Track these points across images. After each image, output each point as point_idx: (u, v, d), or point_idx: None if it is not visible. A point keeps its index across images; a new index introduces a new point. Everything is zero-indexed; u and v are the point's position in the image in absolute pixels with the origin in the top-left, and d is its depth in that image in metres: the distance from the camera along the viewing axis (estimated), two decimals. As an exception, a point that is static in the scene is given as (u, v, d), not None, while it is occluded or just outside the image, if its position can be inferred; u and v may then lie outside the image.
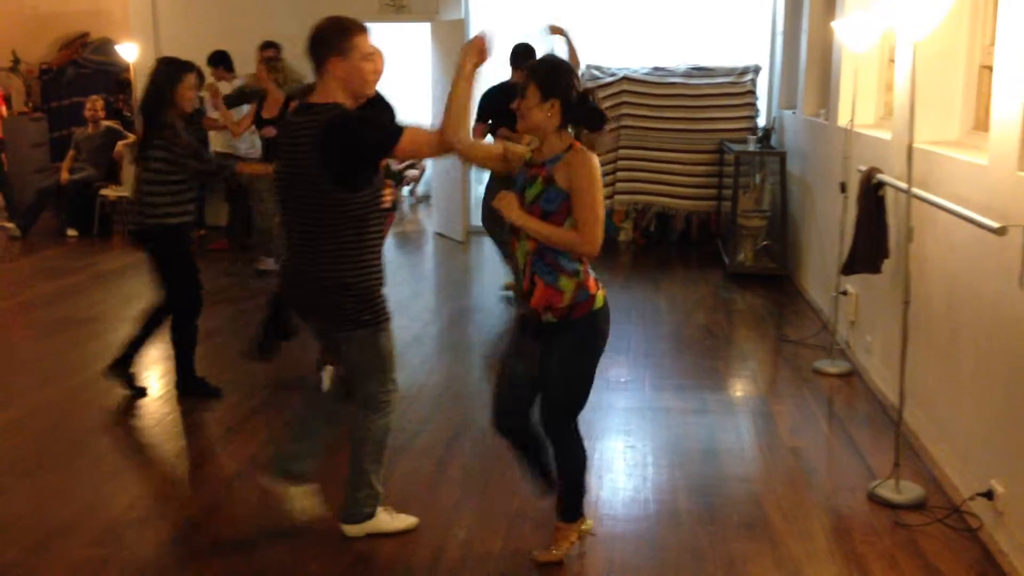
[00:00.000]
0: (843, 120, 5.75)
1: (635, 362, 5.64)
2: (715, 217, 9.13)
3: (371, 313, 3.23)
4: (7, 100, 11.25)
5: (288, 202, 3.23)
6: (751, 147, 8.25)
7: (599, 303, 3.17)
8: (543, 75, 3.06)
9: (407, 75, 11.75)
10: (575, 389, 3.21)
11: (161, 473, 4.16)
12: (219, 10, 9.69)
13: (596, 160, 3.07)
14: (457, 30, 9.23)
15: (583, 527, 3.42)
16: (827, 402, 5.00)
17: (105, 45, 11.12)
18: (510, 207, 3.06)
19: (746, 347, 6.07)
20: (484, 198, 7.06)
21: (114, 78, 11.00)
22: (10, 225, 9.40)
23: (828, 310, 5.97)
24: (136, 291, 7.30)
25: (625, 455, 4.29)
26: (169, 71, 4.77)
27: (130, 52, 10.19)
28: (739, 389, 5.26)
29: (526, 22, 9.47)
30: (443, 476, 4.07)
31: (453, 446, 4.37)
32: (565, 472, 3.31)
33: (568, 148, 3.08)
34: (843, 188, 5.47)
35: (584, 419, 4.62)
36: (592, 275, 3.18)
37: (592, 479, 4.00)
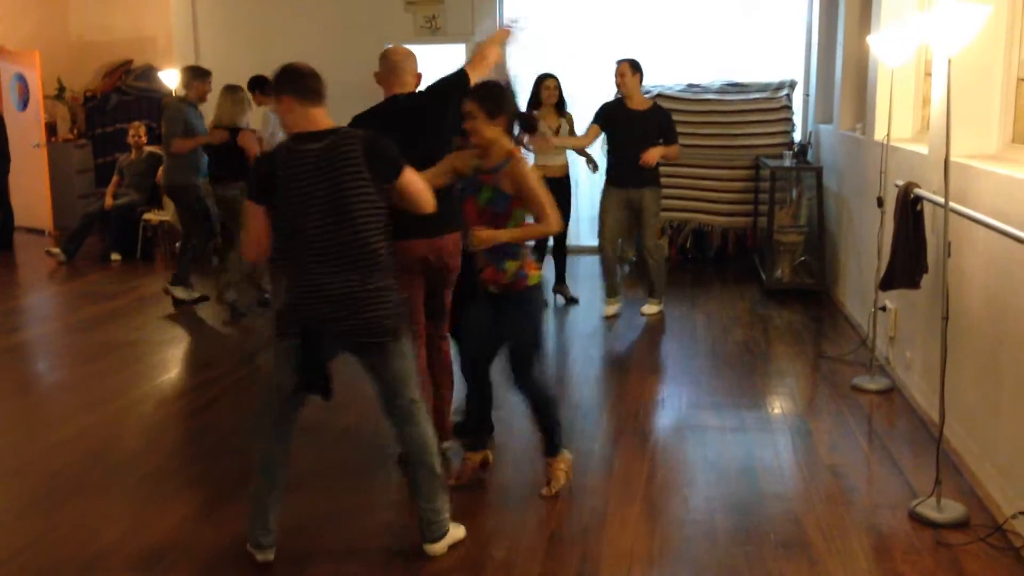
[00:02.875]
0: (880, 134, 5.71)
1: (672, 380, 5.63)
2: (751, 233, 9.09)
3: (403, 318, 3.44)
4: (52, 127, 11.51)
5: (309, 226, 3.22)
6: (787, 162, 8.21)
7: (533, 280, 3.92)
8: (487, 98, 3.76)
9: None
10: (528, 342, 3.94)
11: (202, 496, 4.21)
12: (258, 36, 9.86)
13: (528, 163, 3.84)
14: (491, 51, 9.31)
15: (566, 458, 4.10)
16: (866, 419, 4.96)
17: (148, 72, 11.34)
18: (490, 237, 3.72)
19: (784, 364, 6.02)
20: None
21: (157, 104, 11.20)
22: (56, 250, 9.60)
23: (867, 326, 5.92)
24: (178, 314, 7.43)
25: (662, 474, 4.27)
26: None
27: (172, 79, 10.40)
28: (777, 406, 5.23)
29: (559, 41, 9.56)
30: (480, 497, 4.08)
31: (490, 467, 4.37)
32: (542, 412, 4.02)
33: (509, 157, 3.76)
34: (880, 203, 5.43)
35: (620, 437, 4.65)
36: (532, 259, 3.94)
37: (628, 498, 4.00)
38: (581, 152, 7.52)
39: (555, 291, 7.54)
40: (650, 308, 7.20)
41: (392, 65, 4.29)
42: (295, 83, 3.31)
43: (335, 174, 3.23)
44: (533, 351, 3.97)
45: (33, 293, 8.73)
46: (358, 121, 4.15)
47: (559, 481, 4.04)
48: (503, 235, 3.77)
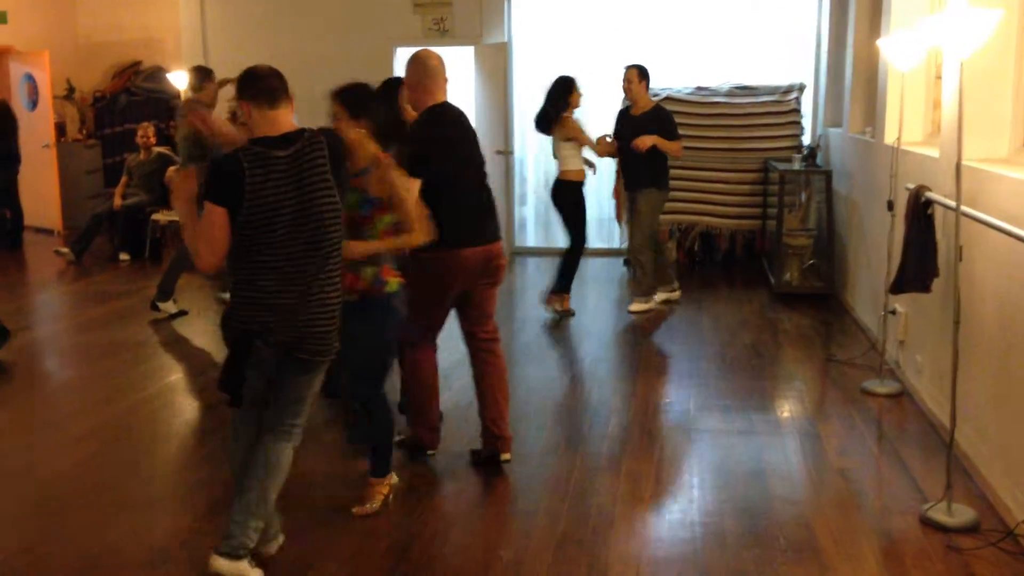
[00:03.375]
0: (890, 138, 5.70)
1: (680, 383, 5.61)
2: (760, 236, 9.07)
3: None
4: (61, 128, 11.55)
5: (275, 236, 3.11)
6: (796, 166, 8.19)
7: (392, 287, 3.75)
8: (350, 100, 3.74)
9: (452, 98, 11.87)
10: (380, 354, 3.81)
11: (209, 497, 4.21)
12: (267, 38, 9.87)
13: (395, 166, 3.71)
14: (500, 54, 9.31)
15: (391, 482, 3.96)
16: (876, 423, 4.94)
17: (157, 73, 11.37)
18: (364, 250, 3.61)
19: (793, 367, 6.01)
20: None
21: (165, 105, 11.24)
22: (65, 250, 9.62)
23: (876, 329, 5.90)
24: (186, 314, 7.43)
25: (670, 477, 4.26)
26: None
27: (181, 80, 10.42)
28: (786, 410, 5.21)
29: (568, 45, 9.56)
30: (489, 498, 4.07)
31: (498, 468, 4.37)
32: (375, 433, 3.91)
33: (375, 161, 3.65)
34: (890, 206, 5.41)
35: (628, 439, 4.64)
36: (391, 265, 3.77)
37: (637, 500, 3.99)
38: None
39: (548, 301, 7.28)
40: (636, 306, 7.32)
41: (434, 71, 4.23)
42: (251, 87, 3.18)
43: (304, 181, 3.13)
44: (384, 364, 3.85)
45: (42, 292, 8.75)
46: (434, 133, 4.21)
47: (375, 503, 3.87)
48: (373, 246, 3.63)
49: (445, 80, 4.29)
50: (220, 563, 3.22)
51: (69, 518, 3.91)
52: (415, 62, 4.26)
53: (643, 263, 7.29)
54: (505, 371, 4.50)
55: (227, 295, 7.33)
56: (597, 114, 8.83)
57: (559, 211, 7.34)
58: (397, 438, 4.28)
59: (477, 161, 4.35)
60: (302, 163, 3.14)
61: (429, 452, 4.49)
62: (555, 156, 7.30)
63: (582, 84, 7.32)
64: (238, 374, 3.21)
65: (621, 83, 7.22)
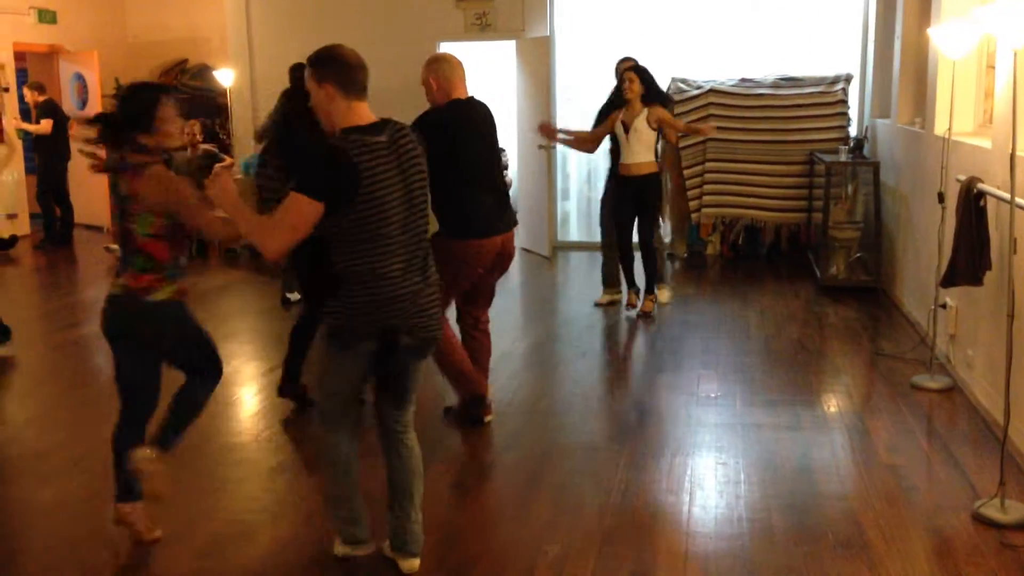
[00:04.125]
0: (940, 129, 5.60)
1: (725, 377, 5.57)
2: (805, 229, 8.97)
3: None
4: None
5: (391, 226, 3.06)
6: (843, 157, 8.08)
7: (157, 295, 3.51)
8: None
9: (492, 94, 11.88)
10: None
11: (259, 487, 4.27)
12: (311, 35, 9.90)
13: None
14: (542, 47, 9.30)
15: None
16: (926, 418, 4.86)
17: (203, 71, 11.51)
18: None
19: (840, 361, 5.94)
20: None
21: (211, 103, 11.37)
22: (114, 247, 9.77)
23: (926, 323, 5.81)
24: (233, 310, 7.54)
25: (716, 472, 4.24)
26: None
27: (227, 77, 10.56)
28: (833, 405, 5.15)
29: (611, 38, 9.52)
30: (534, 492, 4.08)
31: (544, 462, 4.38)
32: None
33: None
34: (941, 199, 5.33)
35: (674, 435, 4.63)
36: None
37: (683, 495, 3.98)
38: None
39: (628, 304, 7.13)
40: (664, 295, 7.32)
41: (459, 70, 4.50)
42: (343, 73, 3.07)
43: (405, 168, 3.10)
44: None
45: (92, 288, 8.90)
46: (458, 118, 4.44)
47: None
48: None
49: (463, 78, 4.53)
50: (415, 563, 3.37)
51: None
52: (441, 62, 4.52)
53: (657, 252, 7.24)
54: (490, 346, 4.96)
55: (295, 295, 7.44)
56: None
57: (649, 205, 6.90)
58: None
59: (497, 153, 4.68)
60: (400, 149, 3.10)
61: (487, 418, 4.80)
62: (620, 147, 6.81)
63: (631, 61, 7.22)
64: (387, 375, 3.23)
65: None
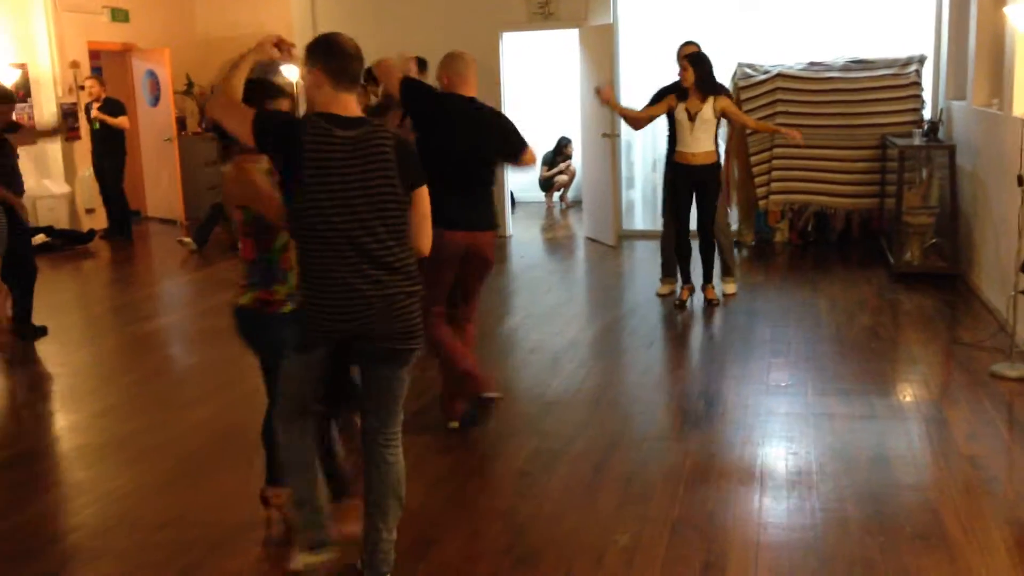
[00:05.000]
0: (1019, 109, 5.41)
1: (796, 365, 5.48)
2: (878, 215, 8.77)
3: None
4: (181, 122, 11.98)
5: (340, 220, 2.97)
6: (917, 141, 7.87)
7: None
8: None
9: (556, 82, 11.84)
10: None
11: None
12: (376, 29, 10.00)
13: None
14: (606, 35, 9.23)
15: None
16: (1007, 408, 4.72)
17: (270, 66, 11.63)
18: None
19: (915, 350, 5.80)
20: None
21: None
22: (187, 239, 9.99)
23: (1005, 311, 5.64)
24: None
25: (788, 462, 4.17)
26: None
27: (292, 72, 10.68)
28: (909, 394, 5.03)
29: (676, 24, 9.41)
30: (602, 482, 4.06)
31: (612, 452, 4.36)
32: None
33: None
34: (1020, 181, 5.16)
35: (744, 424, 4.57)
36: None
37: (754, 485, 3.92)
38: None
39: (679, 299, 6.98)
40: (728, 288, 7.18)
41: (471, 67, 4.54)
42: (336, 60, 3.02)
43: (367, 167, 2.98)
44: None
45: (166, 281, 9.12)
46: (445, 108, 4.41)
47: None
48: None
49: (472, 77, 4.54)
50: None
51: (199, 495, 4.06)
52: (457, 59, 4.54)
53: (723, 244, 7.14)
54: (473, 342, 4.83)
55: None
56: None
57: (707, 195, 6.79)
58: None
59: (482, 157, 4.52)
60: (367, 148, 2.99)
61: (495, 395, 4.61)
62: (680, 135, 6.67)
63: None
64: (339, 381, 3.27)
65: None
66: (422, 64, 7.82)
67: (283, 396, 3.23)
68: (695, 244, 6.92)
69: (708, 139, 6.66)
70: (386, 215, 3.02)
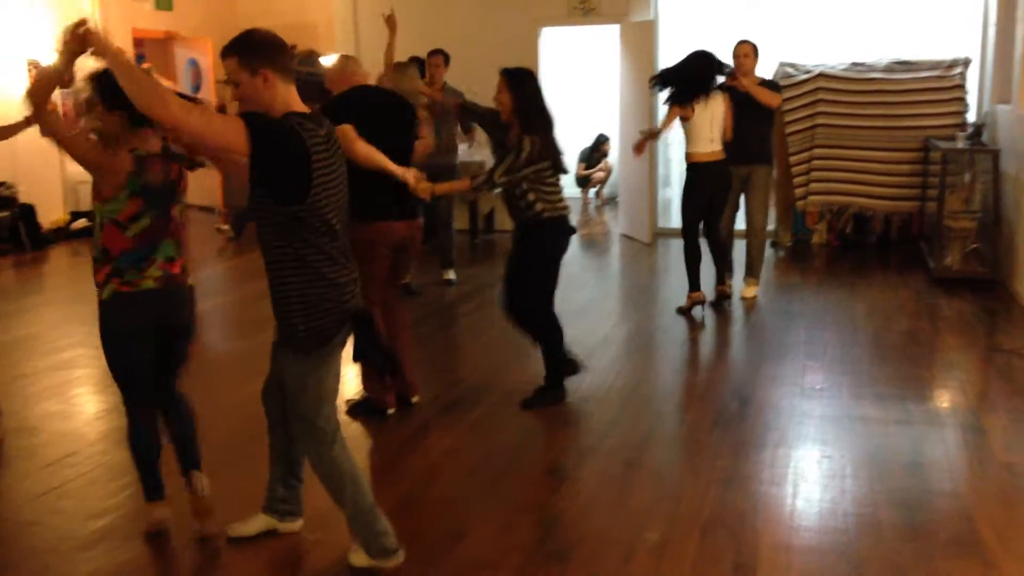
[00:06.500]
0: (1067, 114, 5.34)
1: (831, 368, 5.43)
2: (918, 218, 8.67)
3: None
4: (222, 110, 12.08)
5: (341, 217, 3.13)
6: (960, 144, 7.77)
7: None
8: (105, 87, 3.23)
9: (595, 78, 11.81)
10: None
11: (360, 463, 4.35)
12: (416, 20, 10.03)
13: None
14: (647, 31, 9.19)
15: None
16: (1046, 417, 4.66)
17: (309, 56, 11.73)
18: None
19: (953, 356, 5.73)
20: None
21: (318, 87, 11.57)
22: (225, 227, 10.09)
23: (1047, 318, 5.56)
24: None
25: (821, 465, 4.14)
26: None
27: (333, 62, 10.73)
28: (946, 400, 4.97)
29: (717, 21, 9.35)
30: (633, 479, 4.05)
31: (643, 449, 4.35)
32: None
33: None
34: (1067, 187, 5.08)
35: (777, 426, 4.54)
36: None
37: (786, 487, 3.90)
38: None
39: (718, 293, 6.90)
40: (749, 290, 7.15)
41: (354, 62, 4.91)
42: (277, 55, 2.96)
43: (341, 164, 3.08)
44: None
45: (205, 268, 9.20)
46: (344, 107, 4.56)
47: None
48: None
49: (358, 71, 4.83)
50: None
51: (237, 479, 4.10)
52: (339, 60, 4.98)
53: (758, 246, 7.12)
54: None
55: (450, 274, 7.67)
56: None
57: (729, 193, 6.76)
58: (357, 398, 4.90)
59: (391, 141, 4.57)
60: (333, 142, 3.06)
61: (389, 411, 4.83)
62: (708, 134, 6.57)
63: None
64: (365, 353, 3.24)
65: (737, 57, 6.87)
66: (445, 60, 7.79)
67: (320, 412, 3.17)
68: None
69: (710, 138, 6.63)
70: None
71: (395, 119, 4.78)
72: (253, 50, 2.94)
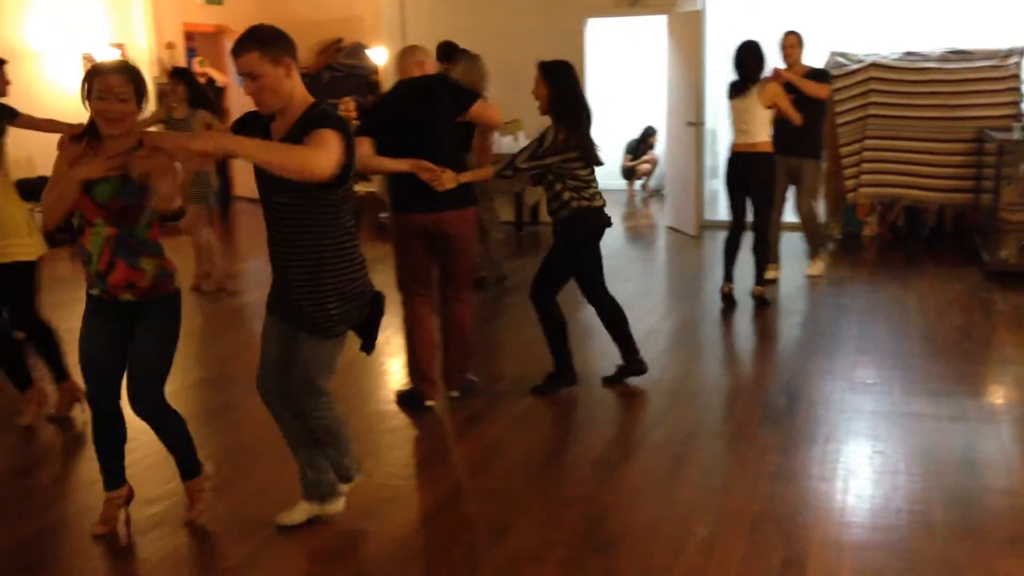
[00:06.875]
0: None
1: (882, 363, 5.36)
2: (972, 211, 8.51)
3: None
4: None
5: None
6: (1016, 135, 7.60)
7: (178, 282, 3.51)
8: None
9: (644, 70, 11.73)
10: (165, 363, 3.47)
11: (408, 454, 4.38)
12: (462, 13, 10.04)
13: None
14: (694, 22, 9.11)
15: (206, 477, 3.77)
16: (1106, 414, 4.55)
17: (356, 49, 11.81)
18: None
19: (1009, 351, 5.61)
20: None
21: (364, 80, 11.66)
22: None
23: (1107, 313, 5.42)
24: (385, 281, 7.72)
25: (873, 461, 4.09)
26: None
27: (380, 56, 10.81)
28: (1001, 396, 4.88)
29: (765, 11, 9.23)
30: (681, 473, 4.04)
31: (691, 443, 4.33)
32: (176, 439, 3.61)
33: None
34: None
35: (827, 421, 4.49)
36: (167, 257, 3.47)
37: (837, 483, 3.86)
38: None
39: (753, 295, 6.73)
40: (813, 268, 7.47)
41: (406, 54, 4.83)
42: (294, 48, 3.13)
43: None
44: (165, 371, 3.48)
45: (252, 259, 9.31)
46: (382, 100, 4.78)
47: (202, 503, 3.70)
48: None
49: (418, 62, 4.75)
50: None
51: (284, 468, 4.15)
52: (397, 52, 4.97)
53: (809, 229, 7.37)
54: (465, 325, 4.90)
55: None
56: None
57: (764, 186, 6.54)
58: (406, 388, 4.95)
59: (426, 133, 4.61)
60: None
61: (428, 403, 4.83)
62: (741, 125, 6.50)
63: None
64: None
65: (783, 48, 7.03)
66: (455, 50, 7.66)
67: (328, 378, 3.44)
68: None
69: (758, 128, 6.52)
70: None
71: (433, 110, 4.65)
72: (273, 42, 3.07)
